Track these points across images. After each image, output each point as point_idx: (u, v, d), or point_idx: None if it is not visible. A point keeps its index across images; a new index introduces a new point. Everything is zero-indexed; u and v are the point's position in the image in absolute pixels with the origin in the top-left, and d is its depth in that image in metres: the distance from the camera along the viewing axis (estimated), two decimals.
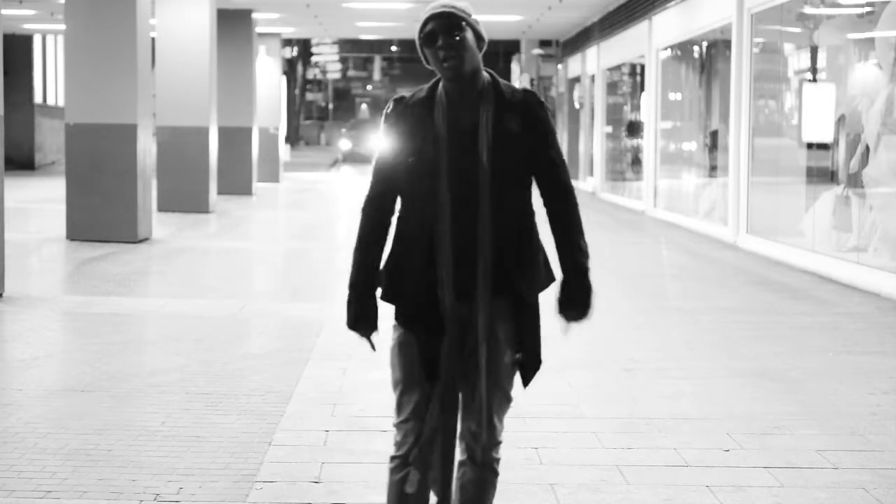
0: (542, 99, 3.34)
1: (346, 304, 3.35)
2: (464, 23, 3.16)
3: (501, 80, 3.27)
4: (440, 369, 3.22)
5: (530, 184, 3.29)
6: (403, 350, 3.27)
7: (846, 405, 5.97)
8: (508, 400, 3.36)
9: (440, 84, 3.25)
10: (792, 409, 5.85)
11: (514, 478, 4.62)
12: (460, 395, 3.29)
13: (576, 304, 3.35)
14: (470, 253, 3.18)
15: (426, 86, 3.29)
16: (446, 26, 3.14)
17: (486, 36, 3.25)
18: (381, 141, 3.31)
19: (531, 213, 3.30)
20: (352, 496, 4.38)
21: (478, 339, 3.20)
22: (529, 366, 3.34)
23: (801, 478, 4.70)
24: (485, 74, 3.24)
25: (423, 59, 3.26)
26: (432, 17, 3.16)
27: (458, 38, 3.14)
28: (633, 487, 4.55)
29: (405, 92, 3.35)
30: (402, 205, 3.30)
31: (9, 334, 7.94)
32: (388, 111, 3.29)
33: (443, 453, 3.26)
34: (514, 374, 3.35)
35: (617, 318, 8.73)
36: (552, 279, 3.37)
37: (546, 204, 3.33)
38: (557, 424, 5.49)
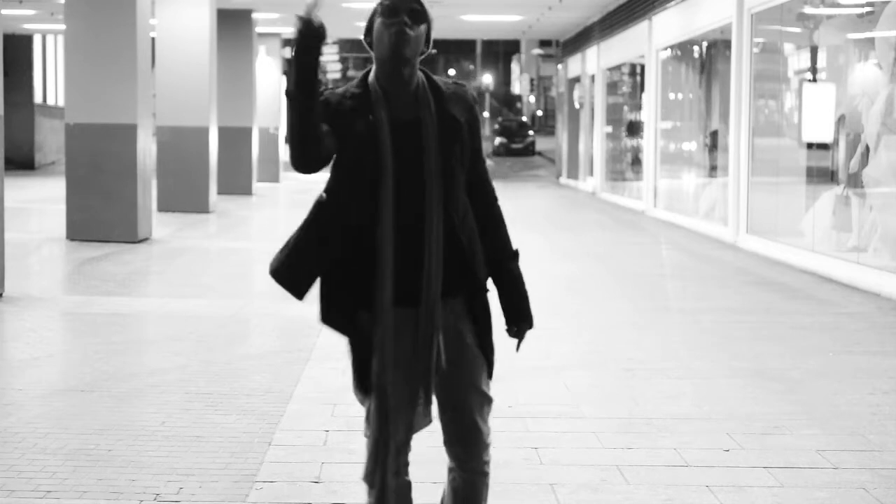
0: (473, 91, 3.30)
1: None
2: (423, 15, 3.09)
3: (434, 76, 3.20)
4: (371, 380, 3.11)
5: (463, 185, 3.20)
6: (380, 362, 3.11)
7: (846, 405, 5.97)
8: (488, 399, 3.24)
9: (370, 77, 3.14)
10: (792, 409, 5.85)
11: (514, 478, 4.62)
12: (434, 404, 3.19)
13: (520, 315, 3.26)
14: (416, 254, 3.06)
15: (354, 81, 3.17)
16: (411, 9, 3.07)
17: (431, 46, 3.17)
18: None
19: (467, 203, 3.21)
20: (352, 496, 4.37)
21: (425, 342, 3.08)
22: (487, 360, 3.24)
23: (801, 478, 4.70)
24: (419, 73, 3.17)
25: (363, 34, 3.16)
26: None
27: (417, 21, 3.07)
28: (633, 487, 4.55)
29: (334, 86, 3.22)
30: (331, 196, 3.15)
31: (9, 334, 7.94)
32: (324, 103, 3.13)
33: (385, 466, 3.12)
34: (486, 373, 3.23)
35: (617, 318, 8.73)
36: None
37: (474, 201, 3.22)
38: (557, 424, 5.49)
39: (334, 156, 3.13)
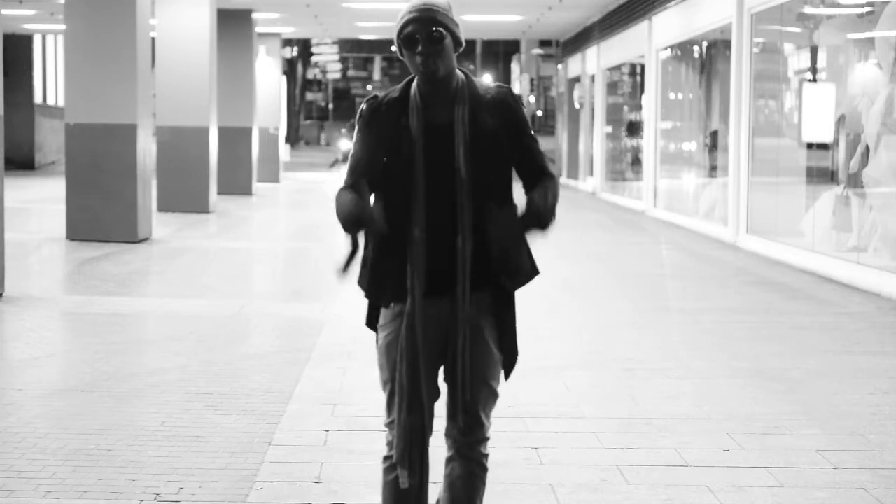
0: (516, 94, 3.33)
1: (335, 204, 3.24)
2: (443, 28, 3.14)
3: (475, 79, 3.27)
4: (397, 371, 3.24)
5: (511, 178, 3.28)
6: (390, 350, 3.27)
7: (846, 405, 5.97)
8: (495, 395, 3.33)
9: (413, 84, 3.25)
10: (792, 409, 5.85)
11: (514, 478, 4.62)
12: (441, 392, 3.31)
13: (537, 207, 3.25)
14: (447, 251, 3.18)
15: (399, 86, 3.28)
16: (426, 31, 3.12)
17: (464, 40, 3.23)
18: (357, 140, 3.29)
19: (513, 206, 3.25)
20: (352, 496, 4.38)
21: (457, 336, 3.20)
22: (508, 359, 3.33)
23: (801, 478, 4.70)
24: (459, 74, 3.25)
25: (398, 53, 3.24)
26: (413, 20, 3.14)
27: (436, 44, 3.13)
28: (633, 487, 4.55)
29: (379, 92, 3.33)
30: (376, 203, 3.27)
31: (9, 334, 7.94)
32: (363, 111, 3.28)
33: (417, 454, 3.25)
34: (499, 370, 3.33)
35: (617, 318, 8.73)
36: (536, 271, 3.32)
37: (525, 186, 3.32)
38: (557, 424, 5.49)
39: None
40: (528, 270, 3.30)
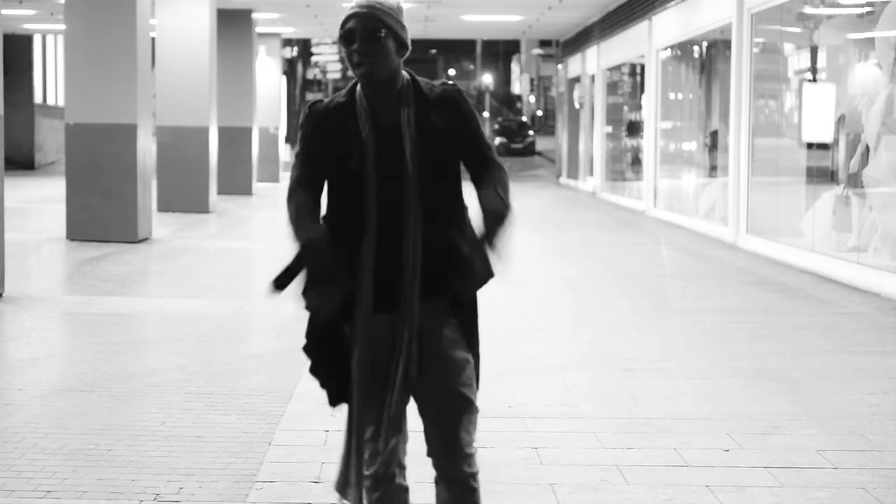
0: (461, 89, 3.20)
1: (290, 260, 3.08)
2: (384, 29, 3.00)
3: (421, 79, 3.14)
4: (350, 390, 3.09)
5: (460, 177, 3.15)
6: (357, 368, 3.09)
7: (846, 405, 5.97)
8: (469, 404, 3.12)
9: (357, 88, 3.12)
10: (792, 409, 5.85)
11: (514, 478, 4.62)
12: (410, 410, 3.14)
13: (491, 218, 3.08)
14: (396, 261, 3.04)
15: (343, 90, 3.15)
16: (365, 29, 2.99)
17: (409, 43, 3.10)
18: (302, 147, 3.15)
19: (463, 208, 3.15)
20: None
21: (401, 351, 3.03)
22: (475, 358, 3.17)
23: (801, 478, 4.70)
24: (404, 74, 3.11)
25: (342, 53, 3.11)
26: (354, 16, 3.01)
27: (374, 42, 2.99)
28: (633, 487, 4.55)
29: (324, 97, 3.24)
30: (328, 212, 3.15)
31: (9, 334, 7.95)
32: (305, 117, 3.15)
33: (359, 472, 3.09)
34: (470, 374, 3.13)
35: (617, 318, 8.73)
36: (491, 274, 3.12)
37: (474, 180, 3.18)
38: (557, 424, 5.49)
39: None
40: (481, 275, 3.09)
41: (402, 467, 3.16)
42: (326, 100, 3.17)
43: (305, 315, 3.18)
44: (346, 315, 3.09)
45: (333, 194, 3.13)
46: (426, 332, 3.08)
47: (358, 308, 3.06)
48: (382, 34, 3.00)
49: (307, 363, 3.19)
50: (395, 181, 3.04)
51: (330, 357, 3.14)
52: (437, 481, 3.17)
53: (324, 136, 3.10)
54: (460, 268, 3.06)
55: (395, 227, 3.04)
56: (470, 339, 3.16)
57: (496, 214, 3.08)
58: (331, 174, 3.12)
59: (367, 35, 2.99)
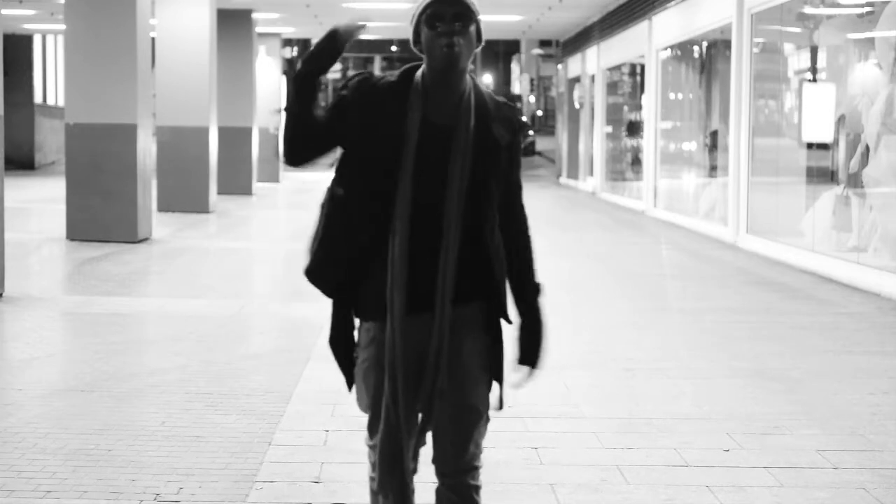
0: (524, 119, 3.11)
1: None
2: (473, 15, 2.91)
3: (484, 89, 3.02)
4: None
5: (496, 194, 3.01)
6: (372, 372, 3.01)
7: (846, 405, 5.97)
8: (483, 418, 3.04)
9: (417, 74, 2.96)
10: (792, 409, 5.85)
11: (514, 478, 4.62)
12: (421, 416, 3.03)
13: (529, 358, 3.11)
14: (426, 264, 2.90)
15: (397, 71, 2.98)
16: (456, 13, 2.87)
17: (483, 40, 3.03)
18: (334, 102, 2.97)
19: (494, 218, 3.01)
20: (352, 496, 4.37)
21: (433, 358, 2.93)
22: (497, 381, 3.09)
23: (801, 478, 4.70)
24: (468, 78, 2.98)
25: (412, 41, 2.97)
26: (441, 0, 2.88)
27: (469, 25, 2.89)
28: (633, 487, 4.55)
29: (375, 72, 3.06)
30: (345, 196, 2.98)
31: (9, 334, 7.95)
32: (357, 82, 2.97)
33: (396, 483, 3.00)
34: (487, 390, 3.05)
35: (617, 318, 8.73)
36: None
37: (501, 227, 3.03)
38: (557, 424, 5.49)
39: (342, 151, 3.01)
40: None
41: (415, 470, 3.12)
42: (378, 76, 3.00)
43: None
44: (379, 313, 2.97)
45: (347, 173, 2.99)
46: (451, 336, 2.97)
47: (389, 313, 2.91)
48: (472, 19, 2.91)
49: (326, 340, 3.10)
50: (433, 183, 2.89)
51: (349, 345, 3.07)
52: (439, 490, 3.11)
53: (368, 105, 2.92)
54: (499, 284, 3.01)
55: (426, 231, 2.90)
56: (494, 355, 3.06)
57: (533, 333, 3.10)
58: (353, 145, 2.96)
59: (458, 17, 2.88)
